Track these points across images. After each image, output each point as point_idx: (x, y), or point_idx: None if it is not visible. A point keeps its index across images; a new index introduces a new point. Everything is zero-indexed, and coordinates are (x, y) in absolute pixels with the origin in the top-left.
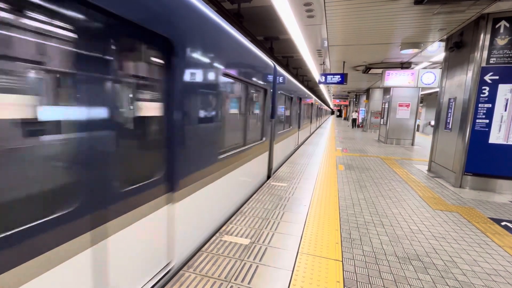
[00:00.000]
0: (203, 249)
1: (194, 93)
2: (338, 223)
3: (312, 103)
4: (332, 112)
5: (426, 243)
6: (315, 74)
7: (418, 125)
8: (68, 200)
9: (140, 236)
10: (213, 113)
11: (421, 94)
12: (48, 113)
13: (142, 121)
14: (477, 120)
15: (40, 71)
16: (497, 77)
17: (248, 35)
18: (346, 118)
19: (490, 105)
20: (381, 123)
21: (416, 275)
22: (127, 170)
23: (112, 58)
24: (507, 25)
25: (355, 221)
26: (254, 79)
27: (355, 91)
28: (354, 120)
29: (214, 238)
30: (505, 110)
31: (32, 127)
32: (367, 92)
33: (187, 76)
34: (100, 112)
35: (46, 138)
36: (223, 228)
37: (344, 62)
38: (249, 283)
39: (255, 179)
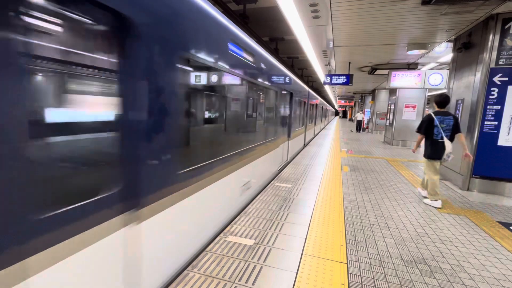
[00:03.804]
0: (208, 249)
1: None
2: (343, 225)
3: (312, 103)
4: (337, 113)
5: (432, 247)
6: (320, 75)
7: None
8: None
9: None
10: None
11: (428, 95)
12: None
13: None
14: (486, 122)
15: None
16: (506, 79)
17: (254, 36)
18: (351, 119)
19: (499, 107)
20: (387, 124)
21: (422, 279)
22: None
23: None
24: None
25: (360, 223)
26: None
27: (361, 92)
28: (359, 122)
29: (218, 238)
30: None
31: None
32: (373, 93)
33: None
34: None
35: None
36: (227, 228)
37: (349, 63)
38: (253, 284)
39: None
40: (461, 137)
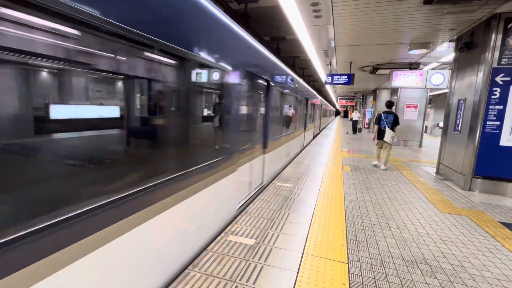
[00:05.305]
0: (208, 248)
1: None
2: (344, 225)
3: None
4: (337, 113)
5: (434, 247)
6: (322, 74)
7: (426, 127)
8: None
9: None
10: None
11: (430, 95)
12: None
13: None
14: (488, 122)
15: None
16: (508, 78)
17: (255, 35)
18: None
19: (501, 107)
20: None
21: (423, 279)
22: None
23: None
24: None
25: (361, 223)
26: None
27: (362, 91)
28: (355, 123)
29: (219, 238)
30: None
31: None
32: (374, 92)
33: None
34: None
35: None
36: (228, 228)
37: (351, 62)
38: (254, 283)
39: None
40: (396, 128)
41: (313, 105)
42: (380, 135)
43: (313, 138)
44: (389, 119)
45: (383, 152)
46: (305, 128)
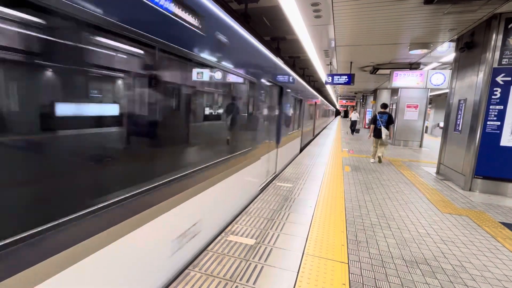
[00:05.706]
0: (208, 248)
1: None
2: (344, 225)
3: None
4: (338, 113)
5: (434, 247)
6: (322, 74)
7: (427, 127)
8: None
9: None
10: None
11: (430, 95)
12: None
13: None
14: (488, 122)
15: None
16: (509, 78)
17: (255, 36)
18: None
19: (502, 107)
20: None
21: (423, 279)
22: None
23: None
24: None
25: (362, 223)
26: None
27: (362, 91)
28: (353, 123)
29: (219, 238)
30: None
31: None
32: (375, 92)
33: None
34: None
35: None
36: (229, 228)
37: (351, 62)
38: (254, 283)
39: None
40: (390, 127)
41: (300, 101)
42: (377, 133)
43: (301, 151)
44: (384, 118)
45: (380, 148)
46: (278, 141)
